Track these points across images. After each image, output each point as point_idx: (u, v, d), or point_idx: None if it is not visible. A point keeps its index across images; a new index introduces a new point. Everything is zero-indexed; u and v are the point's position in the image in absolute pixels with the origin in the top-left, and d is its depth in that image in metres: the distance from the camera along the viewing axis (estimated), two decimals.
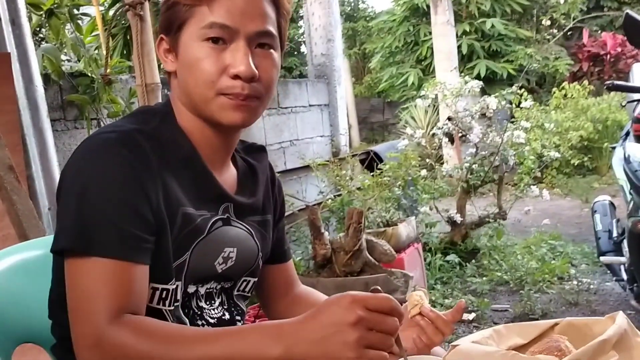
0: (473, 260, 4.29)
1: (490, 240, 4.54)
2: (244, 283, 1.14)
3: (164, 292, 0.98)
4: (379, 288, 0.82)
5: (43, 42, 3.65)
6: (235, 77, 0.97)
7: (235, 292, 1.14)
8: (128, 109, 2.91)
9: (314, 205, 3.65)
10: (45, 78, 2.73)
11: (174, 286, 0.99)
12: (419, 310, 1.09)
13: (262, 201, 1.16)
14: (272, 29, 1.01)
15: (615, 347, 0.79)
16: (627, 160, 2.56)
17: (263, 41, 1.00)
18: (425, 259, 4.02)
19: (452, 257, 4.21)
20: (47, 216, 2.53)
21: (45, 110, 2.59)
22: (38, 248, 1.28)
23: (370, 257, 2.86)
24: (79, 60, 3.08)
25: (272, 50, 1.02)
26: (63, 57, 3.33)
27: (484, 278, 3.96)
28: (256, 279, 1.16)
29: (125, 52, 3.46)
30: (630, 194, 2.62)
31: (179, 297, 1.01)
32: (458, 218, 4.38)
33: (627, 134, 3.14)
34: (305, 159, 4.20)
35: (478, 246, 4.45)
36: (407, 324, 1.09)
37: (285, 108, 4.68)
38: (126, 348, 0.84)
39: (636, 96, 2.74)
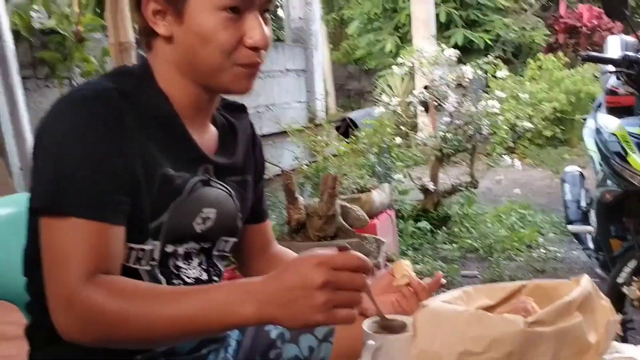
0: (444, 228, 4.36)
1: (462, 208, 4.61)
2: (223, 243, 1.14)
3: (140, 252, 0.98)
4: (348, 246, 0.83)
5: None
6: (253, 47, 0.96)
7: (215, 252, 1.14)
8: (101, 68, 2.86)
9: (290, 170, 3.65)
10: (15, 34, 2.66)
11: (151, 246, 0.99)
12: (407, 281, 1.12)
13: (242, 161, 1.16)
14: None
15: (579, 308, 0.81)
16: (597, 131, 2.59)
17: (268, 6, 1.00)
18: (397, 226, 4.07)
19: (424, 224, 4.27)
20: (19, 176, 2.49)
21: (16, 67, 2.53)
22: (8, 206, 1.26)
23: (344, 222, 2.89)
24: (50, 17, 3.00)
25: (267, 13, 1.02)
26: (33, 13, 3.23)
27: (455, 245, 4.03)
28: (236, 239, 1.16)
29: (98, 9, 3.37)
30: (600, 164, 2.66)
31: (155, 256, 1.01)
32: (431, 186, 4.42)
33: (599, 105, 3.18)
34: (281, 124, 4.18)
35: (450, 214, 4.52)
36: (388, 288, 1.13)
37: (262, 72, 4.64)
38: (98, 307, 0.85)
39: (609, 68, 2.77)
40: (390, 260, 3.68)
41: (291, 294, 0.80)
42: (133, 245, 0.97)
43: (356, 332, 0.89)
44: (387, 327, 0.94)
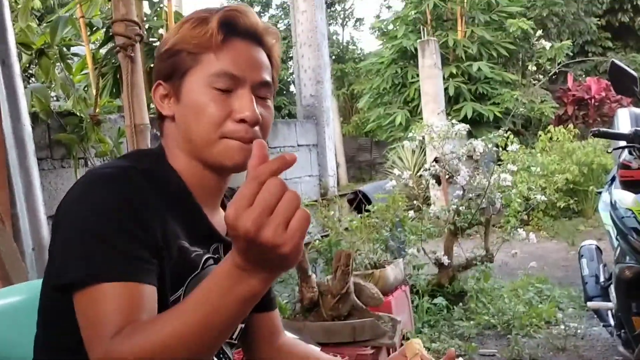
0: (460, 303, 4.27)
1: (478, 282, 4.52)
2: None
3: None
4: None
5: (32, 79, 3.66)
6: (241, 121, 1.00)
7: None
8: (116, 149, 2.91)
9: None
10: (34, 117, 2.72)
11: None
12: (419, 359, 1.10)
13: None
14: (270, 79, 1.07)
15: None
16: (613, 206, 2.57)
17: (264, 91, 1.05)
18: (412, 302, 3.99)
19: (440, 300, 4.18)
20: (31, 256, 2.49)
21: (33, 149, 2.57)
22: (22, 293, 1.26)
23: (358, 301, 2.84)
24: (68, 99, 3.07)
25: (269, 101, 1.07)
26: (52, 93, 3.33)
27: (471, 322, 3.93)
28: (243, 325, 1.15)
29: (115, 91, 3.46)
30: (617, 239, 2.63)
31: None
32: (445, 260, 4.36)
33: (613, 179, 3.17)
34: None
35: (465, 289, 4.43)
36: None
37: (274, 148, 4.70)
38: (128, 354, 0.81)
39: (621, 143, 2.77)
40: (406, 338, 3.60)
41: (252, 252, 0.74)
42: None
43: None
44: None
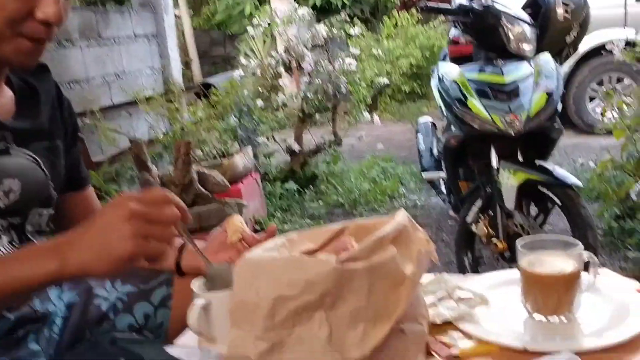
0: (311, 187, 4.41)
1: (328, 166, 4.68)
2: (37, 216, 1.06)
3: None
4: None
5: None
6: (43, 21, 0.90)
7: (29, 228, 1.05)
8: None
9: (145, 141, 3.50)
10: None
11: None
12: (240, 236, 1.10)
13: (48, 125, 1.08)
14: None
15: (394, 242, 0.81)
16: (440, 79, 2.68)
17: None
18: (265, 189, 4.06)
19: (291, 185, 4.29)
20: None
21: None
22: None
23: (202, 189, 2.82)
24: None
25: None
26: None
27: (321, 202, 4.09)
28: (52, 211, 1.09)
29: None
30: (444, 111, 2.77)
31: None
32: (296, 147, 4.44)
33: (445, 56, 3.31)
34: (132, 92, 3.98)
35: (316, 173, 4.57)
36: (223, 246, 1.10)
37: (107, 39, 4.37)
38: None
39: (450, 19, 2.87)
40: (258, 222, 3.68)
41: (100, 232, 0.77)
42: None
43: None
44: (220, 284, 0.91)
